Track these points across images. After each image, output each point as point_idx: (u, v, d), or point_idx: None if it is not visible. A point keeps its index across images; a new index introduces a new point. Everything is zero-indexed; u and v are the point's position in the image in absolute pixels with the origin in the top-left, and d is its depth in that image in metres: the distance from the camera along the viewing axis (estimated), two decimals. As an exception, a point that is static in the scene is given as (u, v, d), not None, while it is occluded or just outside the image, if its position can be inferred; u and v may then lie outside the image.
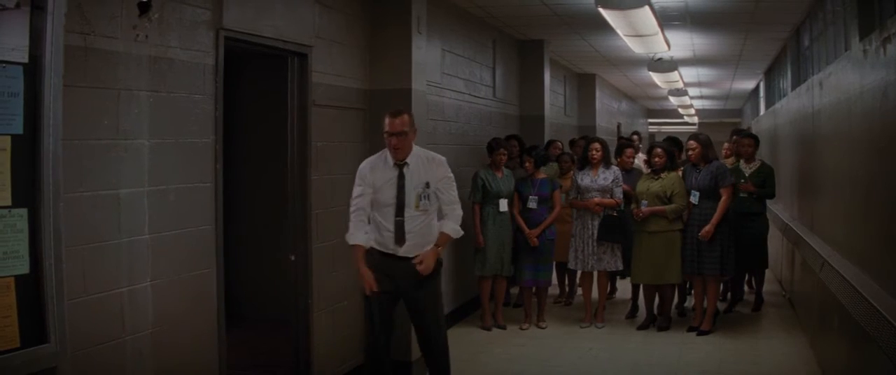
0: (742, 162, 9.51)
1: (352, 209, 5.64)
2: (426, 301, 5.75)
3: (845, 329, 5.89)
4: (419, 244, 5.60)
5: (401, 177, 5.59)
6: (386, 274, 5.58)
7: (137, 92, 4.40)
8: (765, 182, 9.29)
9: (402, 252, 5.59)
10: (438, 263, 5.72)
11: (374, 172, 5.62)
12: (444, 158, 5.78)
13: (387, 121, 5.54)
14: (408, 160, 5.62)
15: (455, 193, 5.79)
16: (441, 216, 5.80)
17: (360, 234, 5.60)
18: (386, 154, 5.65)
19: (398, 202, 5.56)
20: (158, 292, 4.55)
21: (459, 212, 5.79)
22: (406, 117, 5.59)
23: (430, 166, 5.68)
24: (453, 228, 5.74)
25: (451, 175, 5.79)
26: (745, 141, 9.57)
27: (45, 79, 3.53)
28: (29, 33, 3.50)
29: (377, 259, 5.62)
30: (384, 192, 5.58)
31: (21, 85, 3.45)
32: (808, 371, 7.22)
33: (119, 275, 4.29)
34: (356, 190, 5.66)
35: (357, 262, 5.58)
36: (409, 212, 5.57)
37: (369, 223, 5.66)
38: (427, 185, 5.62)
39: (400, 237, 5.56)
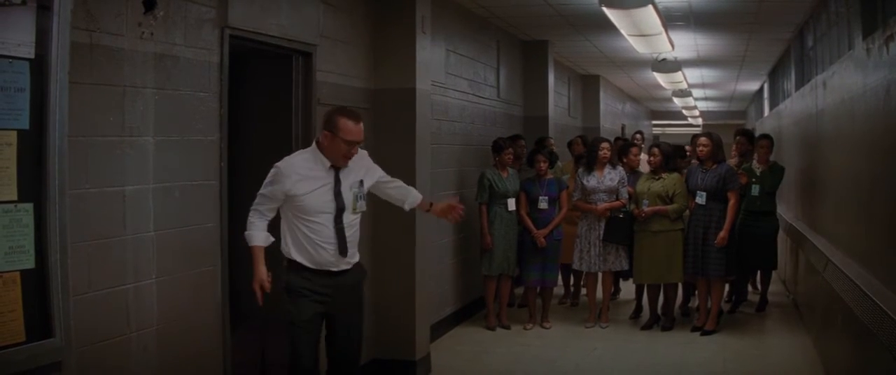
0: (754, 162, 9.49)
1: (254, 210, 4.80)
2: (358, 322, 5.09)
3: (849, 329, 5.89)
4: (354, 253, 4.93)
5: (338, 181, 4.80)
6: (318, 295, 4.79)
7: (143, 89, 4.42)
8: (776, 183, 9.30)
9: (342, 264, 4.85)
10: (364, 274, 5.13)
11: (300, 178, 4.72)
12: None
13: (349, 125, 4.70)
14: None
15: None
16: (388, 192, 5.27)
17: (260, 234, 4.77)
18: (315, 155, 4.80)
19: (338, 207, 4.78)
20: (163, 289, 4.56)
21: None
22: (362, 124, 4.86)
23: (359, 162, 4.95)
24: (417, 194, 5.36)
25: None
26: (762, 142, 9.54)
27: (51, 74, 3.55)
28: (35, 29, 3.51)
29: (306, 278, 4.78)
30: (315, 198, 4.73)
31: (27, 80, 3.47)
32: (813, 371, 7.21)
33: (124, 272, 4.30)
34: (264, 195, 4.78)
35: (257, 263, 4.72)
36: (348, 218, 4.83)
37: (284, 236, 4.85)
38: (361, 184, 4.91)
39: (343, 247, 4.79)
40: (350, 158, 4.79)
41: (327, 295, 4.81)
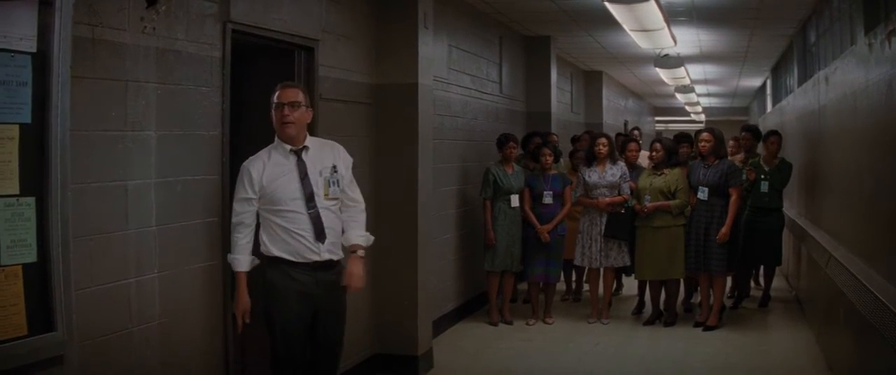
0: (761, 159, 9.48)
1: (235, 223, 4.69)
2: (340, 323, 4.95)
3: (852, 323, 5.89)
4: (336, 243, 4.80)
5: (300, 162, 4.72)
6: (300, 294, 4.69)
7: (145, 83, 4.42)
8: (783, 180, 9.29)
9: (324, 253, 4.71)
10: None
11: (266, 171, 4.68)
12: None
13: (278, 91, 4.73)
14: (306, 144, 4.79)
15: (358, 189, 5.05)
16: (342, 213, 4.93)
17: (245, 258, 4.68)
18: (275, 145, 4.78)
19: (306, 192, 4.67)
20: (165, 283, 4.56)
21: (363, 207, 5.01)
22: (300, 90, 4.81)
23: (332, 150, 4.90)
24: (364, 236, 4.94)
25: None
26: (771, 139, 9.52)
27: (54, 69, 3.54)
28: (37, 23, 3.52)
29: (287, 275, 4.68)
30: (282, 187, 4.66)
31: (29, 74, 3.47)
32: (815, 366, 7.22)
33: (127, 266, 4.30)
34: (239, 200, 4.70)
35: (241, 290, 4.67)
36: (321, 202, 4.70)
37: (260, 236, 4.74)
38: (334, 169, 4.79)
39: (319, 232, 4.67)
40: (288, 124, 4.67)
41: (310, 293, 4.70)
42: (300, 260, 4.69)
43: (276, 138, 4.79)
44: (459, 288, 9.10)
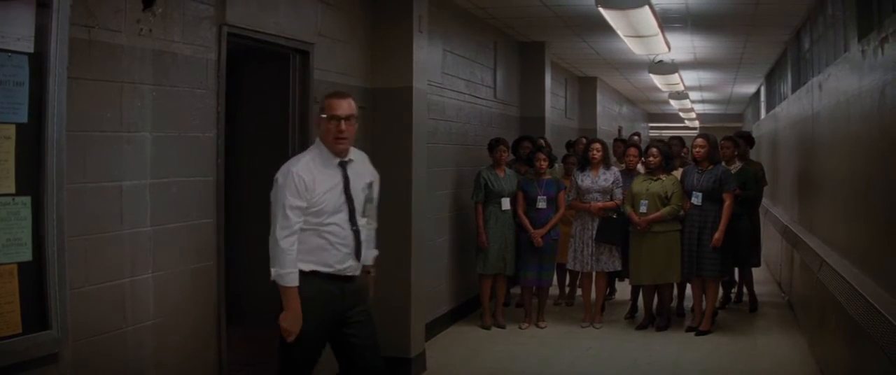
0: (722, 163, 9.47)
1: (286, 234, 4.36)
2: (374, 329, 4.73)
3: (843, 329, 5.91)
4: (366, 257, 4.71)
5: (346, 178, 4.52)
6: (327, 307, 4.50)
7: (141, 85, 4.43)
8: (746, 184, 9.24)
9: (356, 269, 4.60)
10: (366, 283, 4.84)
11: (317, 179, 4.43)
12: None
13: (333, 102, 4.49)
14: (351, 157, 4.59)
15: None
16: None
17: (297, 272, 4.40)
18: (320, 151, 4.53)
19: (350, 207, 4.50)
20: (160, 284, 4.58)
21: (376, 225, 4.89)
22: (353, 101, 4.58)
23: (366, 163, 4.77)
24: (375, 255, 4.89)
25: None
26: (724, 143, 9.46)
27: (50, 69, 3.57)
28: (35, 24, 3.54)
29: (323, 287, 4.48)
30: (331, 200, 4.44)
31: (26, 74, 3.49)
32: (807, 371, 7.24)
33: (121, 266, 4.32)
34: (291, 208, 4.35)
35: (295, 307, 4.39)
36: (360, 220, 4.56)
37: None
38: (369, 186, 4.67)
39: (358, 249, 4.54)
40: (344, 139, 4.46)
41: (336, 306, 4.52)
42: (333, 272, 4.49)
43: (317, 142, 4.57)
44: (452, 291, 9.12)
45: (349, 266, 4.54)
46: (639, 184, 8.65)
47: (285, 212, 4.35)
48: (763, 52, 13.55)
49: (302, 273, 4.41)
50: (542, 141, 10.31)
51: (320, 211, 4.43)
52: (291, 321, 4.41)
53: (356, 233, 4.53)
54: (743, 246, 9.12)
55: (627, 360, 7.67)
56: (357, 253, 4.56)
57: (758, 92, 20.19)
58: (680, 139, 10.27)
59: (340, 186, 4.50)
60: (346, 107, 4.48)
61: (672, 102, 22.64)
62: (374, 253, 4.90)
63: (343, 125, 4.44)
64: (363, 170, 4.67)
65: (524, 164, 9.38)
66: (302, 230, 4.41)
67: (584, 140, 10.50)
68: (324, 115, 4.49)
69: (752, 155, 10.48)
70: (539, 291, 9.05)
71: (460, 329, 8.92)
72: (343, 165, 4.54)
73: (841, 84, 6.70)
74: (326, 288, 4.49)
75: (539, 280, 8.89)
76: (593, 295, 9.05)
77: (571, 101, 16.29)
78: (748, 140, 10.28)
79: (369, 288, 4.87)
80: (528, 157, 9.29)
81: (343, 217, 4.49)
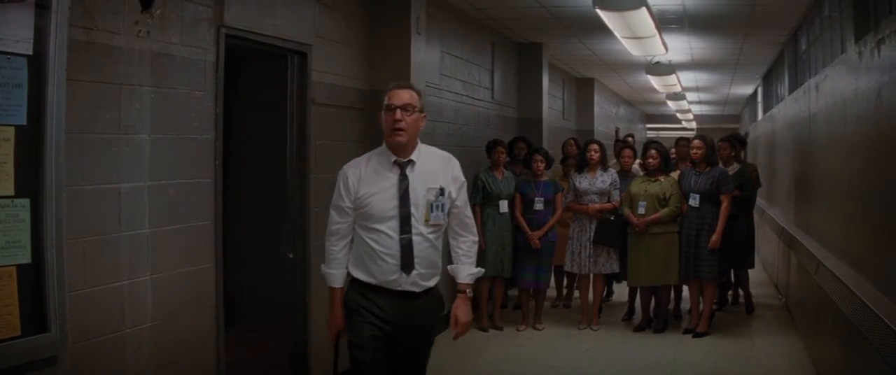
0: (720, 165, 9.48)
1: (329, 232, 4.23)
2: (425, 353, 4.45)
3: (840, 330, 5.92)
4: (427, 274, 4.21)
5: (403, 179, 4.12)
6: (375, 316, 4.15)
7: (139, 87, 4.44)
8: (744, 185, 9.26)
9: (407, 284, 4.15)
10: (439, 305, 4.46)
11: (363, 179, 4.14)
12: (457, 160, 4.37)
13: (391, 92, 4.14)
14: (413, 157, 4.19)
15: (472, 217, 4.48)
16: (450, 239, 4.43)
17: (339, 273, 4.22)
18: (381, 151, 4.22)
19: (403, 214, 4.08)
20: (158, 286, 4.58)
21: (475, 238, 4.46)
22: (414, 91, 4.20)
23: (444, 166, 4.27)
24: (475, 274, 4.42)
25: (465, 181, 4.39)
26: (721, 144, 9.45)
27: (49, 71, 3.58)
28: (33, 26, 3.54)
29: (363, 295, 4.17)
30: (379, 202, 4.09)
31: (25, 76, 3.50)
32: (803, 373, 7.24)
33: (120, 268, 4.32)
34: (334, 206, 4.20)
35: (335, 307, 4.24)
36: (418, 228, 4.12)
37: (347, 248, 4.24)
38: (441, 192, 4.17)
39: (407, 262, 4.10)
40: (401, 130, 4.08)
41: (386, 320, 4.15)
42: (377, 284, 4.15)
43: (383, 144, 4.23)
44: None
45: (396, 279, 4.12)
46: (637, 186, 8.65)
47: (331, 211, 4.22)
48: (760, 54, 13.57)
49: (352, 278, 4.22)
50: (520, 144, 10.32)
51: (367, 214, 4.11)
52: (328, 321, 4.30)
53: (405, 243, 4.09)
54: (739, 248, 9.14)
55: (625, 362, 7.67)
56: (406, 267, 4.11)
57: (755, 93, 20.23)
58: (687, 140, 10.24)
59: (394, 189, 4.12)
60: (405, 96, 4.11)
61: (669, 103, 22.68)
62: (473, 272, 4.44)
63: (398, 114, 4.06)
64: (433, 174, 4.20)
65: (520, 165, 9.37)
66: (357, 235, 4.18)
67: (572, 142, 10.50)
68: (383, 105, 4.18)
69: (749, 156, 10.48)
70: (536, 293, 9.05)
71: (458, 330, 8.90)
72: (401, 166, 4.16)
73: (838, 85, 6.71)
74: (370, 299, 4.16)
75: (536, 282, 8.89)
76: (591, 296, 9.05)
77: (569, 102, 16.30)
78: (741, 142, 10.30)
79: (438, 309, 4.44)
80: (524, 159, 9.29)
81: (393, 224, 4.09)
